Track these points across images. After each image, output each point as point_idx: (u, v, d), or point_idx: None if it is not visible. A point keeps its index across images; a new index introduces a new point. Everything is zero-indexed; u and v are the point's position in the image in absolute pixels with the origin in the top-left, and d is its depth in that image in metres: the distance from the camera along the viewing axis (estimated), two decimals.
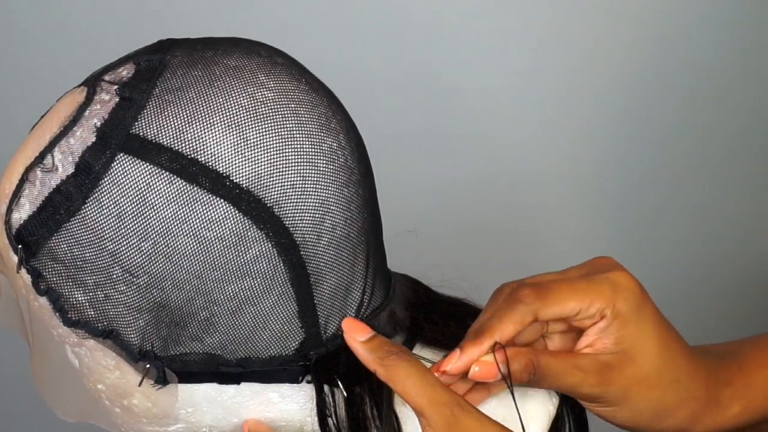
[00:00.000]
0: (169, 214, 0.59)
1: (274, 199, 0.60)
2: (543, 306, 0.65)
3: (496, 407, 0.68)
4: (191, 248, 0.59)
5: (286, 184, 0.61)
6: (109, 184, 0.59)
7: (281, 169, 0.61)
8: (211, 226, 0.59)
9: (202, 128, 0.60)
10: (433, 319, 0.72)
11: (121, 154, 0.60)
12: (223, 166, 0.60)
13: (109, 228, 0.59)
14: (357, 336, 0.64)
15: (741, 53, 1.42)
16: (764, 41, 1.41)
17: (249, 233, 0.60)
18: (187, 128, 0.60)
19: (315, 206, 0.62)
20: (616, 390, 0.67)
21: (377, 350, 0.63)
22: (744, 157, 1.47)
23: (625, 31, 1.40)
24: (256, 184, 0.60)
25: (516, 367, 0.64)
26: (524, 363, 0.64)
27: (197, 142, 0.60)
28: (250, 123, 0.61)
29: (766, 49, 1.42)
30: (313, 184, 0.62)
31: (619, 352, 0.66)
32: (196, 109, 0.60)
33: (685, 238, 1.47)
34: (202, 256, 0.60)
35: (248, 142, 0.60)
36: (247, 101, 0.61)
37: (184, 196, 0.59)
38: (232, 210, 0.60)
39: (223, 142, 0.60)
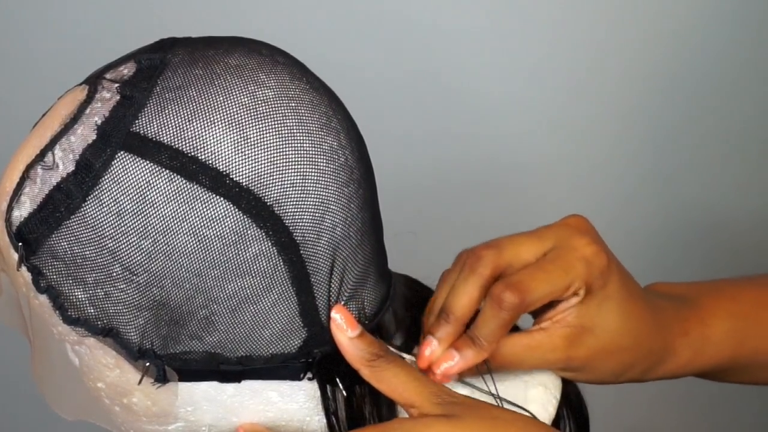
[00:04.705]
0: (169, 212, 0.59)
1: (274, 197, 0.60)
2: (525, 307, 0.65)
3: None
4: (191, 246, 0.59)
5: (286, 182, 0.61)
6: (109, 181, 0.60)
7: (281, 168, 0.61)
8: (211, 225, 0.60)
9: (203, 126, 0.60)
10: None
11: (122, 152, 0.60)
12: (223, 164, 0.60)
13: (109, 226, 0.59)
14: (347, 330, 0.64)
15: (749, 52, 1.42)
16: None
17: (249, 232, 0.60)
18: (188, 126, 0.60)
19: (315, 205, 0.62)
20: (577, 361, 0.68)
21: (364, 349, 0.64)
22: (744, 157, 1.47)
23: (625, 31, 1.40)
24: (256, 183, 0.60)
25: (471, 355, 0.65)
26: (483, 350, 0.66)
27: (197, 141, 0.60)
28: (250, 121, 0.61)
29: None
30: (314, 182, 0.62)
31: (577, 326, 0.67)
32: (197, 107, 0.60)
33: (686, 239, 1.47)
34: (202, 254, 0.60)
35: (248, 140, 0.60)
36: (248, 100, 0.61)
37: (184, 194, 0.59)
38: (232, 208, 0.60)
39: (224, 141, 0.60)
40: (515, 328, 0.68)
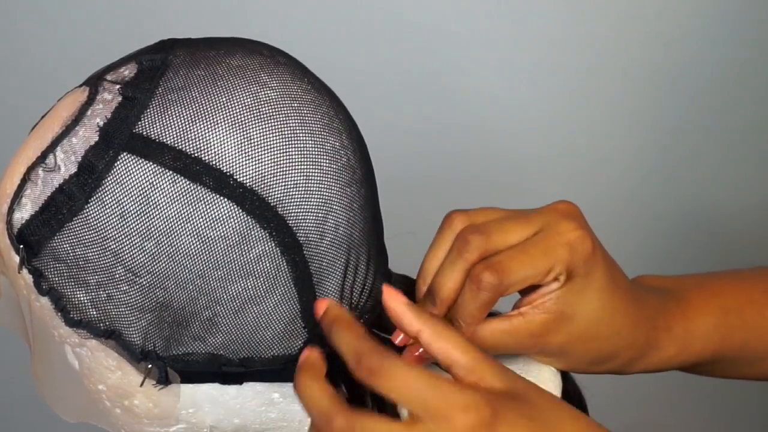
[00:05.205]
0: (173, 213, 0.59)
1: (277, 198, 0.60)
2: (504, 290, 0.64)
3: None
4: (194, 247, 0.59)
5: (289, 183, 0.61)
6: (112, 183, 0.59)
7: (285, 169, 0.61)
8: (214, 225, 0.59)
9: (206, 127, 0.60)
10: None
11: (125, 154, 0.60)
12: (226, 165, 0.60)
13: (112, 227, 0.59)
14: (398, 298, 0.61)
15: (752, 52, 1.42)
16: None
17: (252, 232, 0.60)
18: (191, 127, 0.60)
19: (318, 205, 0.62)
20: (553, 347, 0.67)
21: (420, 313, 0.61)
22: (745, 157, 1.47)
23: (627, 30, 1.40)
24: (259, 183, 0.60)
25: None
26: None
27: (200, 141, 0.60)
28: (253, 122, 0.61)
29: None
30: (317, 183, 0.62)
31: (556, 312, 0.66)
32: (199, 108, 0.60)
33: (687, 239, 1.48)
34: (206, 255, 0.60)
35: (251, 141, 0.60)
36: (250, 100, 0.61)
37: (187, 195, 0.59)
38: (236, 209, 0.60)
39: (227, 141, 0.60)
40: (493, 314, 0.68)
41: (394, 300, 0.60)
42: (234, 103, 0.61)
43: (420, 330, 0.59)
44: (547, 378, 0.71)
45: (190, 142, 0.59)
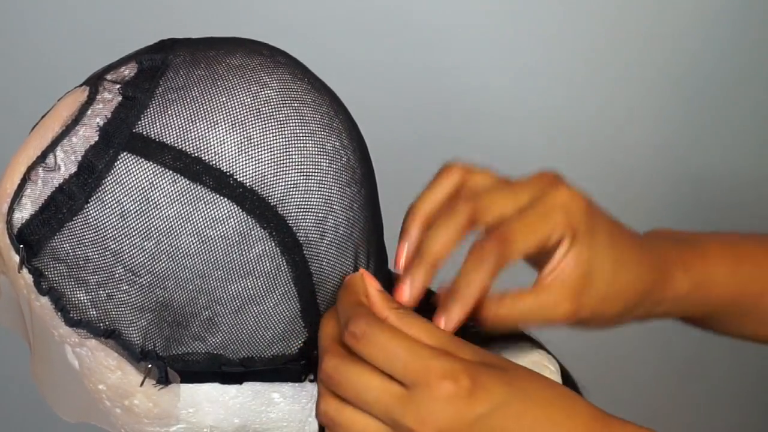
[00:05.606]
0: (173, 213, 0.59)
1: (277, 198, 0.60)
2: (508, 255, 0.64)
3: None
4: (194, 247, 0.59)
5: (289, 183, 0.61)
6: (112, 183, 0.59)
7: (285, 168, 0.61)
8: (214, 225, 0.59)
9: (206, 127, 0.60)
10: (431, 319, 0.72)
11: (125, 153, 0.60)
12: (226, 164, 0.60)
13: (112, 227, 0.59)
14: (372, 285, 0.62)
15: (754, 53, 1.42)
16: None
17: (252, 232, 0.60)
18: (191, 127, 0.60)
19: (318, 205, 0.62)
20: (585, 312, 0.67)
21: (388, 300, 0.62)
22: (746, 157, 1.47)
23: (629, 30, 1.40)
24: (259, 183, 0.60)
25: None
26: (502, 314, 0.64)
27: (201, 141, 0.60)
28: (253, 122, 0.61)
29: None
30: (317, 183, 0.62)
31: (579, 276, 0.66)
32: (200, 107, 0.60)
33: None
34: (206, 254, 0.60)
35: (252, 141, 0.60)
36: (251, 100, 0.61)
37: (187, 195, 0.59)
38: (236, 209, 0.60)
39: (227, 141, 0.60)
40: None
41: (369, 286, 0.62)
42: (234, 103, 0.61)
43: (387, 316, 0.61)
44: (547, 373, 0.71)
45: (190, 142, 0.59)
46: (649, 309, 0.71)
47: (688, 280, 0.72)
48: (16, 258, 0.62)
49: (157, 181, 0.59)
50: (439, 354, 0.58)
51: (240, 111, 0.61)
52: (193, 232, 0.59)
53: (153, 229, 0.59)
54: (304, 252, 0.62)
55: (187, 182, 0.59)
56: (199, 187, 0.59)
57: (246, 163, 0.60)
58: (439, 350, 0.58)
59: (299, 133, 0.62)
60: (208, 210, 0.59)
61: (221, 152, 0.60)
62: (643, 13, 1.39)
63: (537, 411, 0.59)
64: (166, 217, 0.59)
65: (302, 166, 0.61)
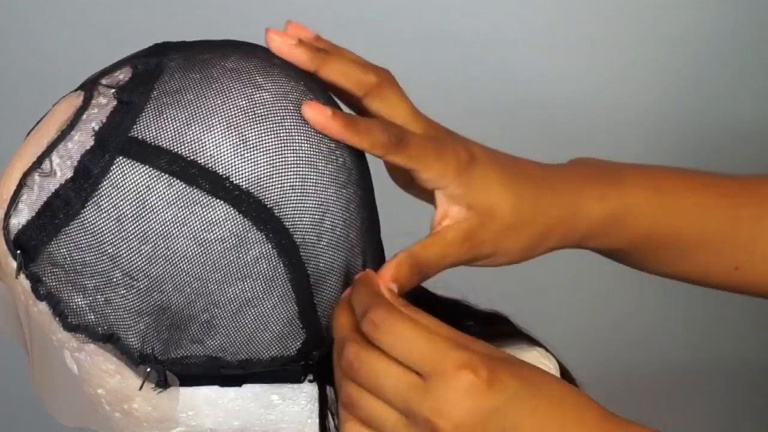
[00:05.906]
0: (169, 217, 0.59)
1: (273, 200, 0.60)
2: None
3: None
4: (191, 250, 0.59)
5: (285, 184, 0.61)
6: (108, 187, 0.59)
7: (280, 170, 0.61)
8: (211, 228, 0.59)
9: (201, 130, 0.60)
10: None
11: (120, 158, 0.60)
12: (222, 167, 0.60)
13: (109, 231, 0.59)
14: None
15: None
16: None
17: (249, 235, 0.60)
18: (186, 130, 0.60)
19: (314, 206, 0.62)
20: (488, 247, 0.68)
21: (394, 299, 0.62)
22: (747, 156, 1.47)
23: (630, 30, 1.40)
24: (255, 186, 0.60)
25: (405, 274, 0.64)
26: (409, 268, 0.65)
27: (196, 144, 0.60)
28: (248, 124, 0.61)
29: None
30: (313, 184, 0.62)
31: (476, 213, 0.67)
32: (195, 111, 0.60)
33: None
34: (203, 258, 0.60)
35: (247, 143, 0.60)
36: (246, 103, 0.61)
37: (183, 199, 0.59)
38: (232, 211, 0.60)
39: (222, 144, 0.60)
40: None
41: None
42: (229, 106, 0.61)
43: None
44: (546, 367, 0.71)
45: (186, 145, 0.60)
46: (562, 239, 0.71)
47: (601, 209, 0.72)
48: (14, 264, 0.62)
49: (153, 184, 0.59)
50: (457, 345, 0.58)
51: (235, 114, 0.61)
52: (189, 235, 0.59)
53: (150, 232, 0.59)
54: (301, 253, 0.62)
55: (183, 185, 0.59)
56: (195, 191, 0.59)
57: (242, 166, 0.60)
58: (456, 341, 0.59)
59: (295, 134, 0.62)
60: (205, 213, 0.59)
61: (217, 155, 0.60)
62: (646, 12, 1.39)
63: (550, 408, 0.59)
64: (162, 220, 0.59)
65: (298, 168, 0.61)
